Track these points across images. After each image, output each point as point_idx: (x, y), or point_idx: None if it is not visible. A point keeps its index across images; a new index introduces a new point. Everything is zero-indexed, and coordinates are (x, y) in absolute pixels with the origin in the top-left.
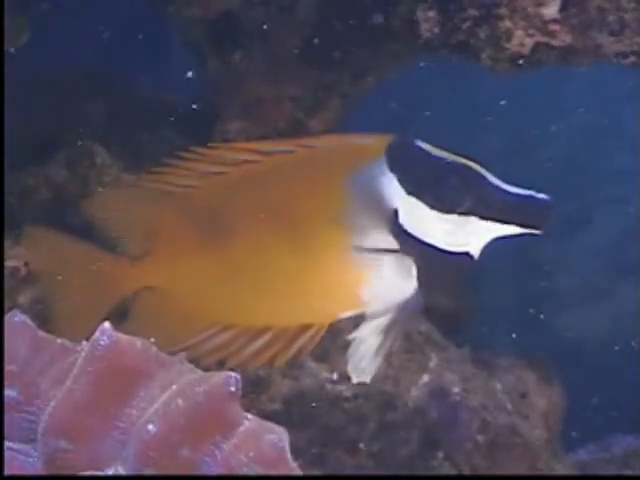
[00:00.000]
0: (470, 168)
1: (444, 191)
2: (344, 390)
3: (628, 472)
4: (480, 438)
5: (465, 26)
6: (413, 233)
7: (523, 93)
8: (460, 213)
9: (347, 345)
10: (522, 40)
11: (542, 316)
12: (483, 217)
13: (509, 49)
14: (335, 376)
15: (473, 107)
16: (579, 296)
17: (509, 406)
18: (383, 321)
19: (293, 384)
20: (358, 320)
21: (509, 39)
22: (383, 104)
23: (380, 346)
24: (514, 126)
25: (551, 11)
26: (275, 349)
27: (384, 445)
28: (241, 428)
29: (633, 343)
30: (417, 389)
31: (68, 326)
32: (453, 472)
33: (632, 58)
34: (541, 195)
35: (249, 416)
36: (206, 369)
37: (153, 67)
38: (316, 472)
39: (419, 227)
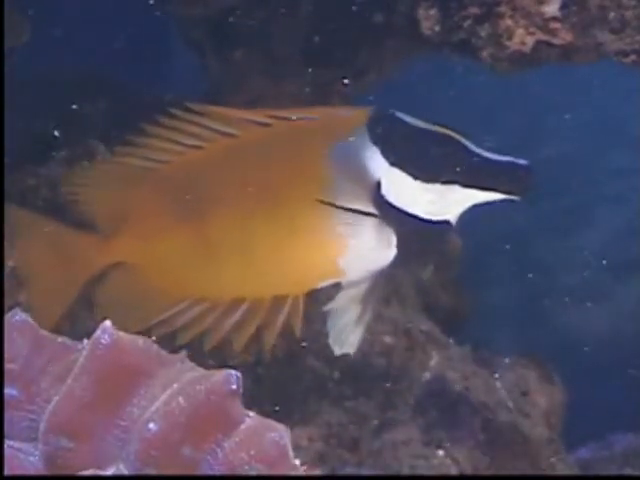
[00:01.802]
0: (450, 137)
1: (426, 161)
2: (345, 388)
3: (628, 471)
4: (481, 436)
5: (466, 24)
6: (395, 204)
7: (523, 91)
8: (443, 182)
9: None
10: (523, 38)
11: (543, 314)
12: (465, 185)
13: (510, 47)
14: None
15: (473, 105)
16: (580, 294)
17: (510, 404)
18: (360, 290)
19: None
20: (331, 291)
21: (510, 37)
22: (383, 102)
23: (360, 316)
24: (513, 124)
25: (552, 9)
26: (255, 323)
27: (385, 443)
28: (242, 426)
29: (634, 341)
30: (418, 387)
31: (42, 304)
32: (454, 471)
33: (633, 56)
34: (521, 161)
35: (250, 414)
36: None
37: (153, 65)
38: (317, 470)
39: (401, 198)
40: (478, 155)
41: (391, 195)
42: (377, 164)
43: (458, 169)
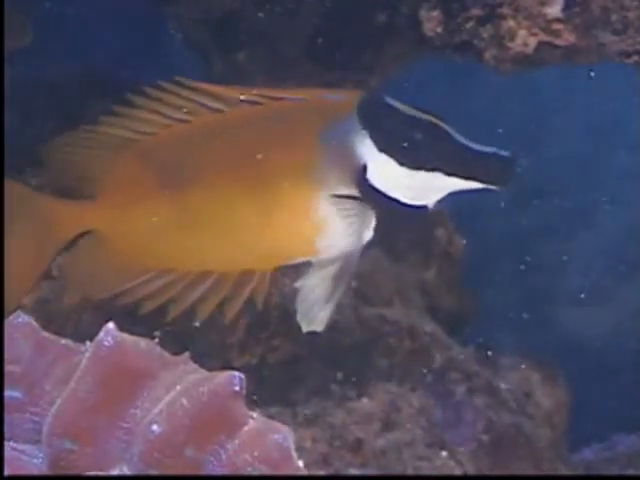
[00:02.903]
0: (437, 125)
1: (413, 148)
2: (348, 389)
3: (631, 471)
4: (485, 437)
5: (468, 26)
6: (379, 188)
7: (525, 92)
8: (428, 169)
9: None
10: (526, 40)
11: (547, 315)
12: (447, 173)
13: (512, 49)
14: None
15: (476, 106)
16: (584, 295)
17: (514, 405)
18: (332, 269)
19: None
20: (300, 268)
21: (512, 39)
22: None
23: (330, 294)
24: (517, 125)
25: (554, 10)
26: (220, 295)
27: (388, 444)
28: (246, 428)
29: (638, 342)
30: (422, 388)
31: (16, 270)
32: (457, 472)
33: (635, 57)
34: (503, 152)
35: (254, 415)
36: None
37: (156, 67)
38: (320, 472)
39: (386, 183)
40: (462, 144)
41: (375, 179)
42: (365, 148)
43: (442, 157)
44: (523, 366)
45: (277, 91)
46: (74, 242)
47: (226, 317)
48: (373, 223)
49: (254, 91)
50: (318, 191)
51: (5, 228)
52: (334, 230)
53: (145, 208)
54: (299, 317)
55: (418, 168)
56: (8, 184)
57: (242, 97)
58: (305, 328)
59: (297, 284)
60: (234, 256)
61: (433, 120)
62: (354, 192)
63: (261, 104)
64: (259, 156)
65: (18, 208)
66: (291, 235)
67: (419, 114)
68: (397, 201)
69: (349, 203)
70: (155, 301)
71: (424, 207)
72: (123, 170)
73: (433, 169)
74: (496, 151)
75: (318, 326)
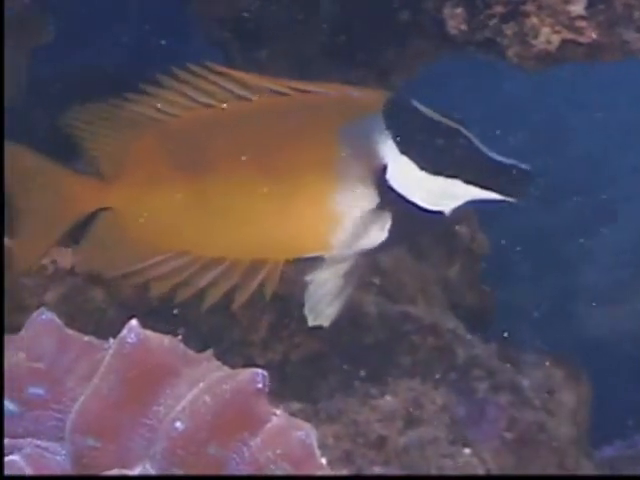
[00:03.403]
0: (460, 132)
1: (435, 154)
2: (371, 387)
3: None
4: (507, 435)
5: (492, 23)
6: (397, 189)
7: (548, 90)
8: (447, 176)
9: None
10: (549, 37)
11: (569, 312)
12: (466, 181)
13: (536, 46)
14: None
15: (498, 104)
16: (607, 292)
17: (537, 403)
18: (344, 266)
19: None
20: (312, 262)
21: (536, 36)
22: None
23: (340, 291)
24: (539, 123)
25: (578, 8)
26: (230, 283)
27: (411, 442)
28: (268, 425)
29: None
30: (444, 386)
31: (28, 238)
32: (480, 470)
33: None
34: (523, 165)
35: (277, 412)
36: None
37: (177, 66)
38: (343, 470)
39: (405, 185)
40: (483, 154)
41: (395, 181)
42: (387, 149)
43: (462, 165)
44: (547, 363)
45: (304, 83)
46: (91, 218)
47: (233, 305)
48: (389, 224)
49: (281, 82)
50: (336, 186)
51: (25, 196)
52: (349, 227)
53: (163, 190)
54: (306, 310)
55: (438, 173)
56: (31, 155)
57: (269, 86)
58: (311, 322)
59: (307, 278)
60: (247, 245)
61: (457, 127)
62: (372, 191)
63: (287, 95)
64: (280, 146)
65: (39, 178)
66: (305, 228)
67: (444, 120)
68: (414, 204)
69: (363, 201)
70: (165, 283)
71: (440, 213)
72: (144, 150)
73: (453, 176)
74: (516, 163)
75: (324, 321)
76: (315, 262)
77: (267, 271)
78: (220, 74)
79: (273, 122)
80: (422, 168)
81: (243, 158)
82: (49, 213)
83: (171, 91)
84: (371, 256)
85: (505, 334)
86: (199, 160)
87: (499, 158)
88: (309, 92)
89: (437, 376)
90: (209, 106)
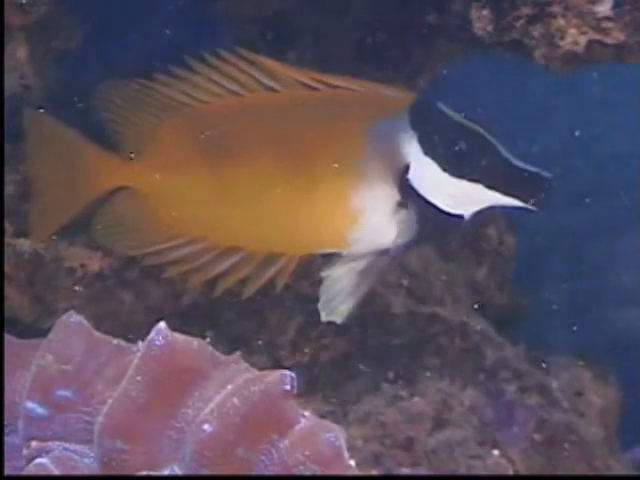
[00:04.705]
0: (484, 137)
1: (459, 157)
2: (399, 389)
3: None
4: (536, 436)
5: (518, 24)
6: (418, 190)
7: (575, 91)
8: (469, 179)
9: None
10: (576, 38)
11: (598, 314)
12: (488, 186)
13: (563, 47)
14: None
15: (526, 105)
16: (636, 294)
17: (565, 404)
18: (360, 264)
19: None
20: (329, 258)
21: (562, 37)
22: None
23: (355, 288)
24: (565, 125)
25: (604, 9)
26: (243, 273)
27: (440, 443)
28: (297, 427)
29: None
30: (473, 387)
31: (44, 211)
32: (509, 471)
33: None
34: (545, 173)
35: (306, 414)
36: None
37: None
38: (372, 471)
39: (426, 186)
40: (506, 160)
41: (416, 181)
42: (411, 149)
43: (485, 170)
44: (576, 364)
45: (334, 78)
46: (111, 195)
47: (243, 295)
48: (408, 224)
49: (312, 75)
50: (358, 182)
51: (44, 163)
52: (368, 225)
53: (186, 174)
54: (320, 305)
55: (460, 177)
56: (60, 127)
57: (299, 79)
58: (324, 318)
59: (323, 273)
60: (265, 236)
61: (481, 132)
62: (392, 189)
63: (316, 89)
64: (306, 140)
65: (65, 150)
66: (324, 223)
67: (469, 124)
68: (433, 206)
69: (384, 200)
70: (179, 267)
71: (460, 216)
72: (170, 133)
73: (475, 180)
74: (538, 171)
75: (337, 318)
76: (332, 258)
77: (281, 263)
78: (251, 62)
79: (301, 115)
80: (444, 170)
81: (267, 149)
82: (69, 185)
83: (202, 76)
84: (392, 256)
85: (532, 337)
86: (224, 148)
87: (521, 164)
88: (338, 87)
89: (465, 377)
90: (238, 95)
